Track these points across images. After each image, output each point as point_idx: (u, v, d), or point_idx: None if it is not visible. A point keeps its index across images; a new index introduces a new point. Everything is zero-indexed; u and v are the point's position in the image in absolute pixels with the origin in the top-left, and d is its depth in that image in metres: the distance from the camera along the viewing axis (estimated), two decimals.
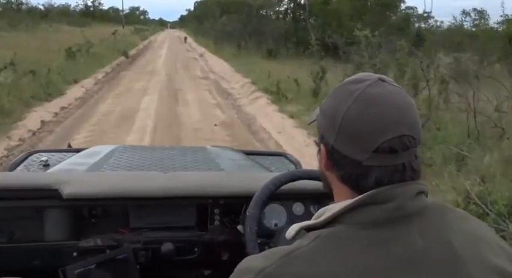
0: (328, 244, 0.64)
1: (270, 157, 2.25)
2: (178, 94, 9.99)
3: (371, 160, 0.65)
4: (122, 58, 17.84)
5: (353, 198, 0.66)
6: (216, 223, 1.31)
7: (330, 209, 0.68)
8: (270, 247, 1.12)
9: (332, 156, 0.69)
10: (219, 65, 17.46)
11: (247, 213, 1.15)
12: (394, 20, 21.92)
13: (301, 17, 17.32)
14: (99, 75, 12.26)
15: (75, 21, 42.32)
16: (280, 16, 21.00)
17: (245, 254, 0.93)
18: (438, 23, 27.17)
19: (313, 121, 0.77)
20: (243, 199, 1.24)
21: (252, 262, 0.67)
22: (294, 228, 0.73)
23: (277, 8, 21.31)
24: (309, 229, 0.70)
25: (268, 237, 1.24)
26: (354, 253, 0.62)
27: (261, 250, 1.04)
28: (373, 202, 0.65)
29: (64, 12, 49.87)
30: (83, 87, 10.22)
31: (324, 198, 1.27)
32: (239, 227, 1.25)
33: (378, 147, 0.64)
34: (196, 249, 1.30)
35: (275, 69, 13.59)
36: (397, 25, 21.56)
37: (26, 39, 16.82)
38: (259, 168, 1.90)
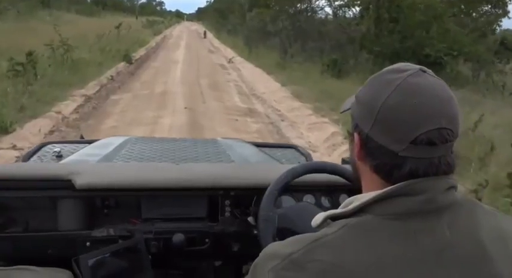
0: (355, 233, 0.63)
1: (281, 149, 2.18)
2: None
3: (407, 151, 0.64)
4: (122, 65, 12.40)
5: (383, 188, 0.65)
6: (227, 214, 1.30)
7: (359, 199, 0.67)
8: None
9: (366, 146, 0.68)
10: (261, 80, 11.94)
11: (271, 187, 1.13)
12: (478, 22, 16.20)
13: (385, 17, 11.67)
14: (67, 108, 6.82)
15: (85, 9, 37.49)
16: (343, 14, 15.31)
17: (255, 246, 1.00)
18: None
19: (347, 110, 0.75)
20: (254, 191, 1.25)
21: (279, 247, 0.67)
22: (320, 217, 0.71)
23: (335, 2, 15.64)
24: (335, 217, 0.69)
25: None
26: (382, 243, 0.61)
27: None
28: (403, 193, 0.64)
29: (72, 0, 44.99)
30: (14, 146, 4.83)
31: (334, 190, 1.32)
32: (250, 218, 1.25)
33: (416, 138, 0.63)
34: (207, 240, 1.29)
35: None
36: (478, 29, 15.87)
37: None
38: (270, 160, 1.86)
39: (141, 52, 16.84)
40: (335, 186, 1.31)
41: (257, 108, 8.39)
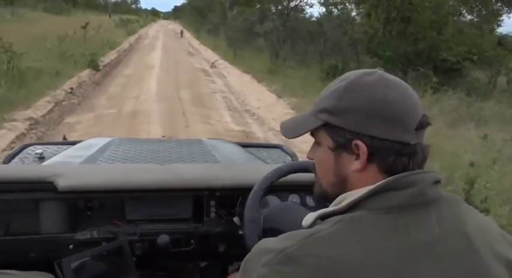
0: (349, 228, 0.63)
1: (266, 149, 2.18)
2: None
3: (416, 138, 0.67)
4: (86, 73, 10.43)
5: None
6: (212, 215, 1.29)
7: (351, 196, 0.68)
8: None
9: (375, 148, 0.67)
10: (251, 90, 10.20)
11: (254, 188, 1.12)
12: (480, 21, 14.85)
13: (395, 16, 10.06)
14: None
15: (53, 7, 35.01)
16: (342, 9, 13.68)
17: (241, 246, 1.02)
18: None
19: (311, 130, 0.73)
20: (239, 191, 1.24)
21: (272, 242, 0.66)
22: (311, 216, 0.71)
23: None
24: (326, 216, 0.68)
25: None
26: (375, 236, 0.62)
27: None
28: (394, 187, 0.65)
29: None
30: None
31: None
32: (235, 219, 1.24)
33: (418, 123, 0.67)
34: (192, 241, 1.27)
35: None
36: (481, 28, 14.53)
37: None
38: (255, 160, 1.86)
39: (112, 56, 14.81)
40: None
41: (254, 132, 6.64)
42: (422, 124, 0.67)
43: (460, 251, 0.63)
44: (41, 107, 6.73)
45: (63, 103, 7.44)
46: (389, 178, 0.65)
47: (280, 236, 0.66)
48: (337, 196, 0.71)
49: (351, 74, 0.71)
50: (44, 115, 6.45)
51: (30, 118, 6.08)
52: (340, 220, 0.64)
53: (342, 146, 0.69)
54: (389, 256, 0.60)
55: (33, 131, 5.72)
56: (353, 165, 0.68)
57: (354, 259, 0.59)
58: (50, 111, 6.79)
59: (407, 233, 0.61)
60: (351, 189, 0.70)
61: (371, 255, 0.59)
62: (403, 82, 0.70)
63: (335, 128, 0.69)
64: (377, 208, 0.64)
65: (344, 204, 0.67)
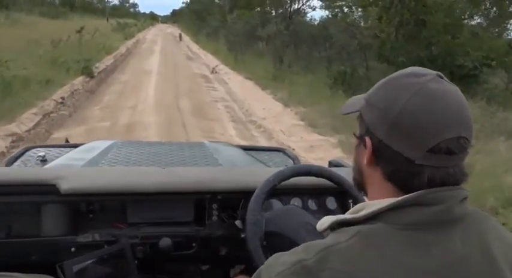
0: (368, 242, 0.60)
1: (268, 153, 2.17)
2: None
3: (424, 160, 0.61)
4: (80, 80, 9.79)
5: (395, 196, 0.63)
6: (214, 218, 1.28)
7: (371, 206, 0.64)
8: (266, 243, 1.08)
9: (379, 151, 0.65)
10: (255, 97, 9.57)
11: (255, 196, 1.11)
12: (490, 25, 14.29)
13: (409, 19, 9.45)
14: None
15: (49, 11, 34.48)
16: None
17: (243, 249, 1.03)
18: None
19: (352, 112, 0.71)
20: (241, 194, 1.24)
21: (286, 255, 0.64)
22: (326, 220, 0.68)
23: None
24: (343, 223, 0.65)
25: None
26: (395, 253, 0.59)
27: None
28: (419, 203, 0.61)
29: (36, 1, 41.44)
30: None
31: (321, 193, 1.33)
32: (237, 222, 1.24)
33: (435, 146, 0.61)
34: (194, 244, 1.27)
35: None
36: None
37: None
38: (257, 163, 1.86)
39: (108, 61, 14.18)
40: (322, 189, 1.28)
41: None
42: (441, 150, 0.60)
43: (483, 271, 0.60)
44: (26, 120, 6.11)
45: (52, 115, 6.82)
46: (413, 193, 0.61)
47: (294, 249, 0.64)
48: (362, 186, 0.70)
49: (401, 71, 0.66)
50: (28, 130, 5.82)
51: (12, 134, 5.46)
52: (359, 232, 0.61)
53: (361, 137, 0.68)
54: (409, 274, 0.57)
55: (14, 150, 5.08)
56: (365, 158, 0.66)
57: (372, 275, 0.57)
58: (37, 124, 6.16)
59: (429, 251, 0.59)
60: (367, 182, 0.68)
61: (389, 272, 0.57)
62: (453, 96, 0.62)
63: (362, 119, 0.67)
64: (398, 223, 0.60)
65: (363, 213, 0.63)
